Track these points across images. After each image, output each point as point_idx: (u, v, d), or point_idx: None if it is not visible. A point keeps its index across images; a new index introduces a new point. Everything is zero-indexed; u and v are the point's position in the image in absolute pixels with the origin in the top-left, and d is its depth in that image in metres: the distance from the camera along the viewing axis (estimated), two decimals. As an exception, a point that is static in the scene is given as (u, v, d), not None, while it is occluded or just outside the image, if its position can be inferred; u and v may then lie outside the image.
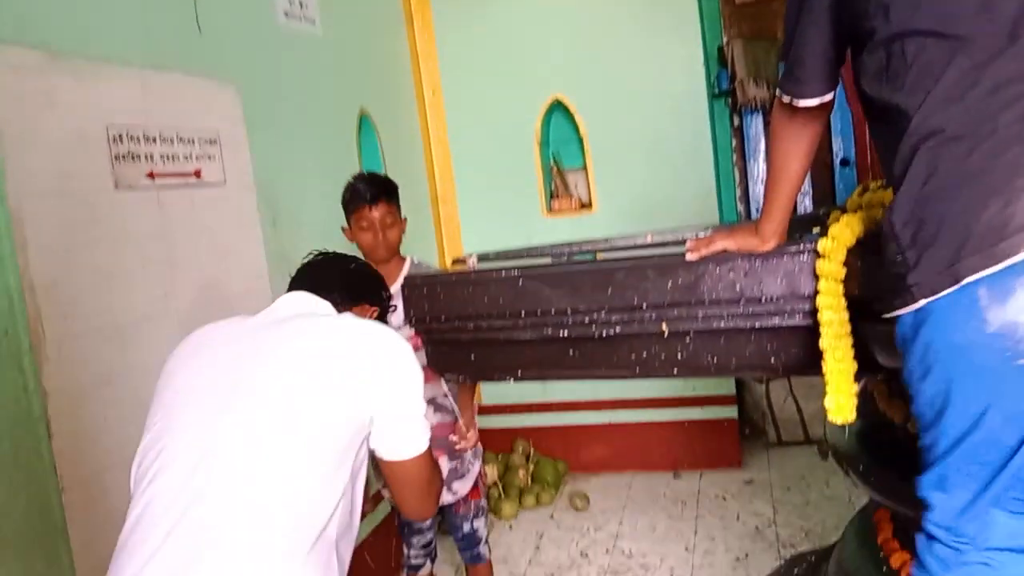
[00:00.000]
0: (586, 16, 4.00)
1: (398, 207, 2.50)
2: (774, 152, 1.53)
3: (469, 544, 2.74)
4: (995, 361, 1.18)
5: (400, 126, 3.87)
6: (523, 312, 1.81)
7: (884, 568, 1.87)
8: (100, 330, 1.98)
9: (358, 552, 3.07)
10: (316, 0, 3.16)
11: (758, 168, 4.35)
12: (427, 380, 1.70)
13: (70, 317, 1.89)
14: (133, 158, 2.11)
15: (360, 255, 2.18)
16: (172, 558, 1.24)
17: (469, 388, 2.63)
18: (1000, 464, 1.22)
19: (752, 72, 4.13)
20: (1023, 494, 1.24)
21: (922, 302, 1.23)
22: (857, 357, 1.53)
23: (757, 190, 4.38)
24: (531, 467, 4.13)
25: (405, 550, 2.68)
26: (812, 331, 1.53)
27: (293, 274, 1.68)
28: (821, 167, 4.14)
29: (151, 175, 2.16)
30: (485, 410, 4.23)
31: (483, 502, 2.72)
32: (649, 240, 1.96)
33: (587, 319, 1.75)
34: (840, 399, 1.49)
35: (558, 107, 4.10)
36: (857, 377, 1.53)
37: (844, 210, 1.65)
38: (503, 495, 3.94)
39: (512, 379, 2.03)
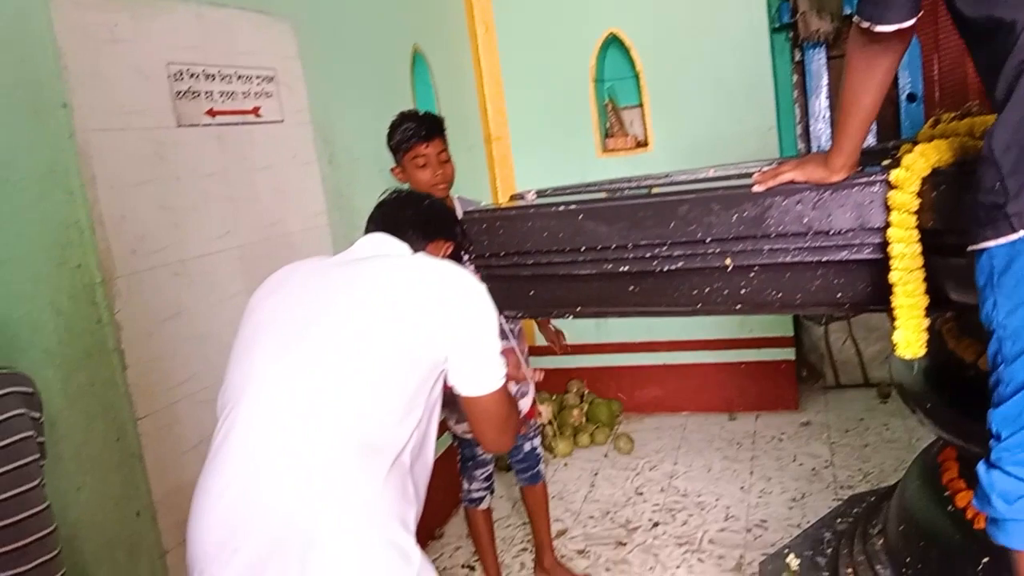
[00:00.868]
0: (643, -53, 3.88)
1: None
2: (847, 81, 1.47)
3: (531, 464, 2.80)
4: None
5: (453, 63, 3.83)
6: (583, 247, 1.79)
7: (949, 507, 1.85)
8: (166, 265, 2.03)
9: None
10: (370, -65, 3.12)
11: (820, 105, 4.22)
12: None
13: (138, 252, 1.94)
14: (193, 95, 2.13)
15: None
16: (254, 481, 1.31)
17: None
18: None
19: (815, 4, 3.98)
20: None
21: (1022, 232, 1.17)
22: (927, 292, 1.49)
23: (818, 128, 4.25)
24: (585, 407, 4.16)
25: (466, 484, 2.73)
26: (881, 265, 1.48)
27: (370, 214, 1.71)
28: (886, 103, 3.98)
29: (211, 112, 2.19)
30: (540, 350, 4.25)
31: (537, 421, 2.76)
32: (711, 175, 1.92)
33: (648, 254, 1.72)
34: (909, 334, 1.46)
35: (614, 42, 4.01)
36: (927, 312, 1.49)
37: (915, 143, 1.59)
38: (558, 433, 3.98)
39: (571, 315, 2.02)
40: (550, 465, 3.85)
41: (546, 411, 4.02)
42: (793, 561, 2.33)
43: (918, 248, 1.43)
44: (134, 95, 1.96)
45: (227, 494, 1.32)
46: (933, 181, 1.43)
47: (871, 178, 1.50)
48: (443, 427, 3.20)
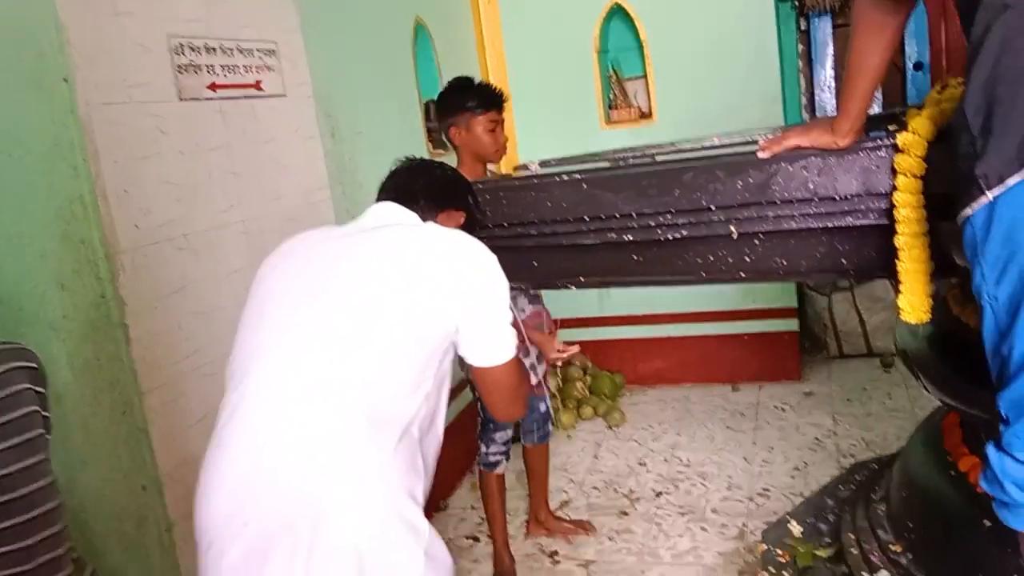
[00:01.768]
0: (646, -85, 3.83)
1: None
2: (854, 43, 1.45)
3: (544, 422, 2.88)
4: None
5: (455, 36, 3.80)
6: (587, 216, 1.79)
7: (952, 472, 1.86)
8: (171, 240, 2.02)
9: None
10: (369, -95, 3.09)
11: (825, 74, 4.19)
12: None
13: (142, 227, 1.93)
14: (195, 69, 2.11)
15: (453, 161, 2.28)
16: (264, 454, 1.31)
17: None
18: None
19: (820, -27, 3.94)
20: None
21: (991, 194, 1.15)
22: (933, 257, 1.49)
23: (824, 97, 4.23)
24: (588, 379, 4.18)
25: (483, 447, 2.76)
26: (887, 230, 1.48)
27: (381, 182, 1.70)
28: (893, 71, 3.95)
29: (213, 86, 2.17)
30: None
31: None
32: (716, 142, 1.91)
33: (652, 223, 1.72)
34: (914, 299, 1.46)
35: (618, 12, 3.98)
36: (932, 278, 1.49)
37: (922, 108, 1.58)
38: (561, 406, 3.99)
39: (575, 286, 2.02)
40: (554, 437, 3.86)
41: (550, 384, 4.03)
42: (795, 528, 2.35)
43: (924, 213, 1.43)
44: (136, 69, 1.94)
45: (236, 467, 1.32)
46: (939, 145, 1.42)
47: (877, 142, 1.49)
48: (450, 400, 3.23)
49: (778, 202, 1.58)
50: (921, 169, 1.41)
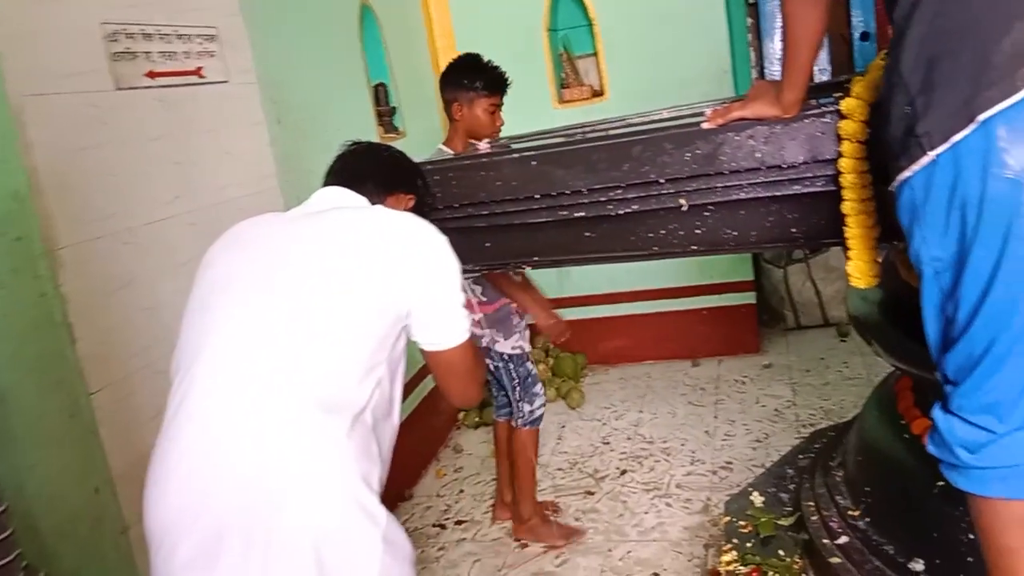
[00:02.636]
0: None
1: None
2: (788, 15, 1.43)
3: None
4: (1018, 212, 1.09)
5: (403, 18, 3.75)
6: (537, 194, 1.78)
7: (905, 435, 1.88)
8: (115, 234, 1.97)
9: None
10: None
11: (774, 47, 4.22)
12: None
13: (83, 221, 1.88)
14: (131, 56, 2.05)
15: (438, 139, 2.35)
16: (213, 446, 1.28)
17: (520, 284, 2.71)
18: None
19: (766, -54, 3.95)
20: None
21: (932, 153, 1.13)
22: (881, 223, 1.50)
23: (774, 69, 4.26)
24: (551, 361, 4.17)
25: (527, 406, 2.78)
26: (834, 197, 1.49)
27: (329, 166, 1.67)
28: (839, 41, 4.00)
29: (151, 74, 2.11)
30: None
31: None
32: (665, 116, 1.91)
33: (603, 198, 1.71)
34: (861, 264, 1.47)
35: (567, -11, 3.96)
36: (880, 242, 1.50)
37: (866, 74, 1.58)
38: (524, 388, 3.98)
39: (529, 266, 2.01)
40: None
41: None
42: (757, 499, 2.37)
43: (869, 178, 1.43)
44: (68, 57, 1.88)
45: (185, 460, 1.29)
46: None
47: (822, 109, 1.49)
48: (410, 389, 3.20)
49: (726, 172, 1.58)
50: (864, 134, 1.41)
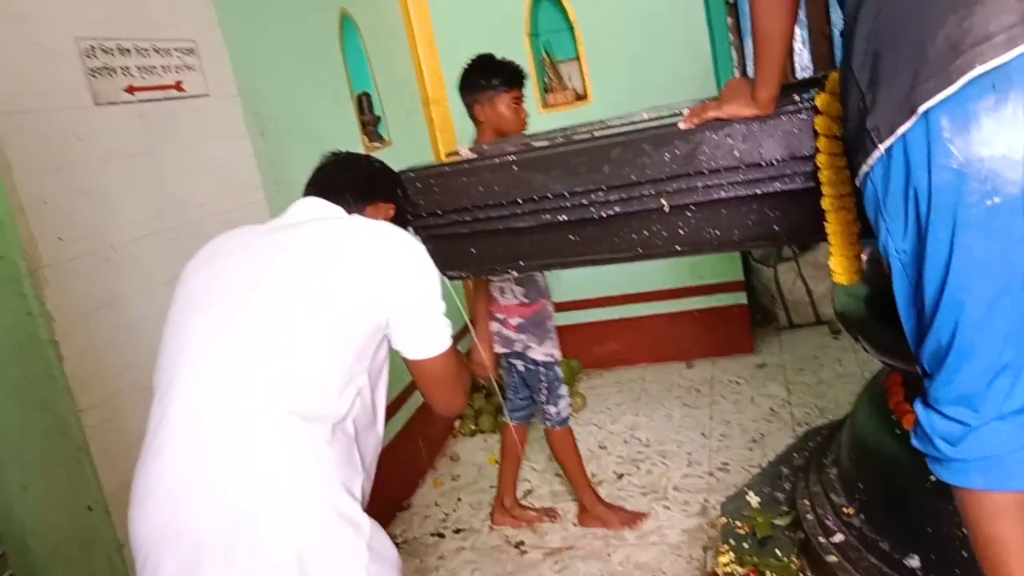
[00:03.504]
0: None
1: None
2: (756, 13, 1.43)
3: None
4: (963, 202, 1.10)
5: (383, 26, 3.74)
6: (520, 199, 1.77)
7: (897, 431, 1.88)
8: (97, 251, 1.96)
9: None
10: None
11: (757, 47, 4.22)
12: None
13: (65, 240, 1.87)
14: (109, 72, 2.04)
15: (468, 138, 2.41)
16: (194, 460, 1.28)
17: (483, 295, 2.70)
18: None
19: (746, -54, 3.96)
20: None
21: (882, 147, 1.15)
22: (861, 219, 1.49)
23: (756, 69, 4.26)
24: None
25: (552, 408, 2.80)
26: (815, 193, 1.49)
27: (308, 177, 1.67)
28: (820, 39, 4.01)
29: (130, 89, 2.10)
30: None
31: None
32: (645, 117, 1.90)
33: (585, 201, 1.71)
34: (843, 260, 1.47)
35: (545, -6, 3.96)
36: (861, 238, 1.49)
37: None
38: (518, 395, 3.97)
39: (515, 271, 2.01)
40: (513, 427, 3.86)
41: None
42: (753, 499, 2.36)
43: (847, 174, 1.43)
44: (45, 75, 1.87)
45: (167, 476, 1.29)
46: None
47: (798, 105, 1.49)
48: (392, 410, 3.17)
49: (706, 172, 1.57)
50: (840, 129, 1.41)
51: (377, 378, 1.43)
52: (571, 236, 1.79)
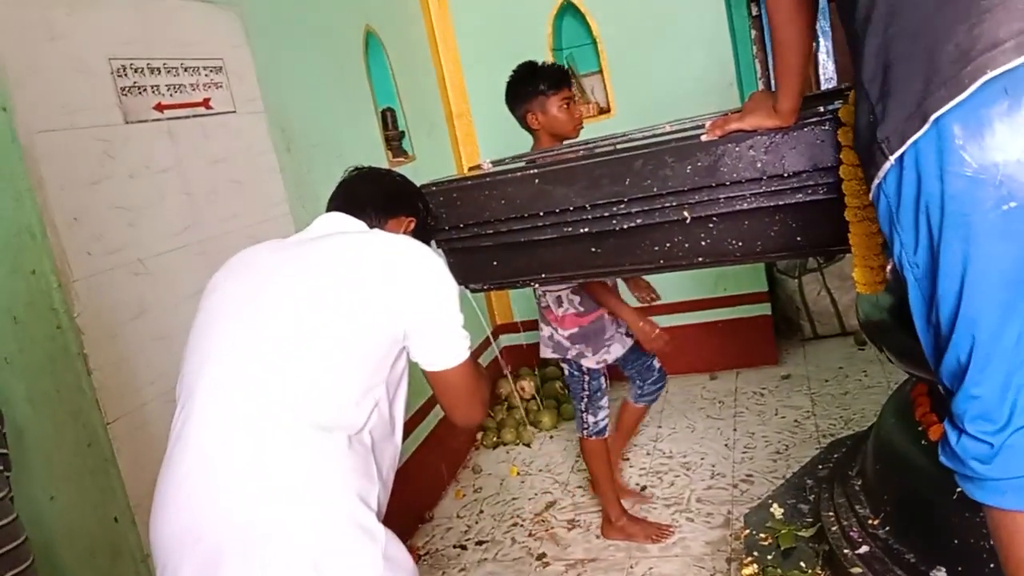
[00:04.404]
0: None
1: None
2: (774, 23, 1.43)
3: (662, 376, 3.04)
4: (978, 209, 1.09)
5: (408, 42, 3.78)
6: (541, 212, 1.79)
7: (923, 442, 1.86)
8: (126, 265, 1.99)
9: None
10: (311, -84, 3.07)
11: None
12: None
13: (95, 254, 1.90)
14: (140, 90, 2.09)
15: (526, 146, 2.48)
16: (213, 469, 1.30)
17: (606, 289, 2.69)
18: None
19: (768, -42, 3.96)
20: None
21: (893, 157, 1.15)
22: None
23: (779, 81, 4.25)
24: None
25: (591, 417, 2.83)
26: (837, 204, 1.49)
27: (332, 192, 1.69)
28: (844, 49, 4.00)
29: (159, 107, 2.15)
30: (515, 327, 4.25)
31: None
32: (668, 129, 1.91)
33: (607, 213, 1.72)
34: (867, 271, 1.47)
35: (568, 9, 3.97)
36: (884, 248, 1.49)
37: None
38: (541, 407, 3.98)
39: (537, 283, 2.02)
40: (536, 439, 3.86)
41: (528, 386, 4.02)
42: (777, 510, 2.35)
43: (870, 184, 1.43)
44: (77, 93, 1.91)
45: (186, 483, 1.31)
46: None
47: (821, 117, 1.49)
48: (414, 422, 3.18)
49: (728, 183, 1.58)
50: (861, 141, 1.41)
51: (395, 390, 1.45)
52: (593, 248, 1.80)
